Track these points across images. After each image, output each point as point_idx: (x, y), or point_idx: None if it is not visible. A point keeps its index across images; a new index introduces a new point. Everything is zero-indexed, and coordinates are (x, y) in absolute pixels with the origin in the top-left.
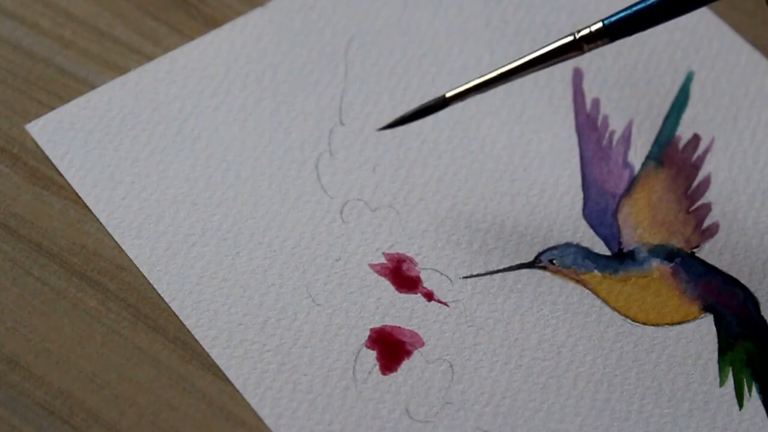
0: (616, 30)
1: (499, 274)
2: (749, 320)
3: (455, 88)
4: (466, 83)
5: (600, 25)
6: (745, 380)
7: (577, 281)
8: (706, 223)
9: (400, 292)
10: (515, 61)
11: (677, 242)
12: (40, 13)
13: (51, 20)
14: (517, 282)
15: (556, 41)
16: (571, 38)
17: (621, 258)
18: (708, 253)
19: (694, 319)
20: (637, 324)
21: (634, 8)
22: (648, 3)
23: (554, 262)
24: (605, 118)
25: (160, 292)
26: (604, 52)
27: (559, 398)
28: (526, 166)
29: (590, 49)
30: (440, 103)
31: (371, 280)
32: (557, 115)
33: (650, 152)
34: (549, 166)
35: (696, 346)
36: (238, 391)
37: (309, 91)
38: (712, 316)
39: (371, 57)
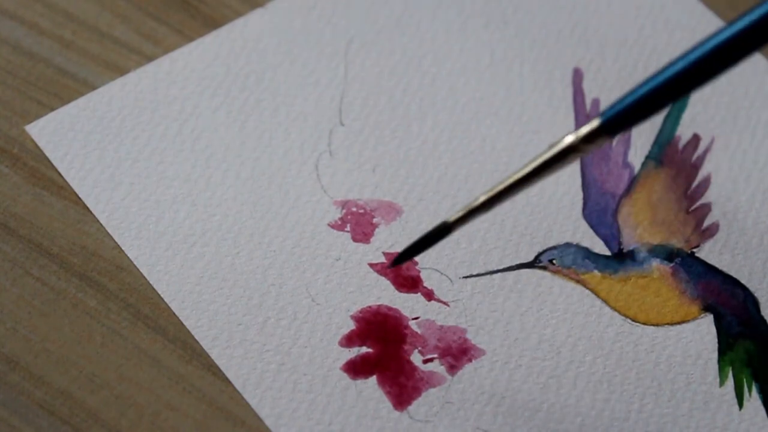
0: (613, 126)
1: (499, 273)
2: (749, 320)
3: (456, 213)
4: (467, 207)
5: (597, 122)
6: (745, 380)
7: (577, 281)
8: (706, 223)
9: (400, 291)
10: (512, 177)
11: (677, 242)
12: (40, 14)
13: (51, 20)
14: (517, 282)
15: (552, 148)
16: (571, 139)
17: (621, 258)
18: (708, 253)
19: (694, 319)
20: (637, 324)
21: (631, 98)
22: (647, 89)
23: (554, 262)
24: None
25: (160, 292)
26: (604, 51)
27: (559, 398)
28: None
29: (590, 150)
30: (444, 229)
31: (371, 280)
32: (557, 115)
33: (650, 152)
34: None
35: (696, 346)
36: (238, 391)
37: (309, 92)
38: (712, 316)
39: (371, 57)
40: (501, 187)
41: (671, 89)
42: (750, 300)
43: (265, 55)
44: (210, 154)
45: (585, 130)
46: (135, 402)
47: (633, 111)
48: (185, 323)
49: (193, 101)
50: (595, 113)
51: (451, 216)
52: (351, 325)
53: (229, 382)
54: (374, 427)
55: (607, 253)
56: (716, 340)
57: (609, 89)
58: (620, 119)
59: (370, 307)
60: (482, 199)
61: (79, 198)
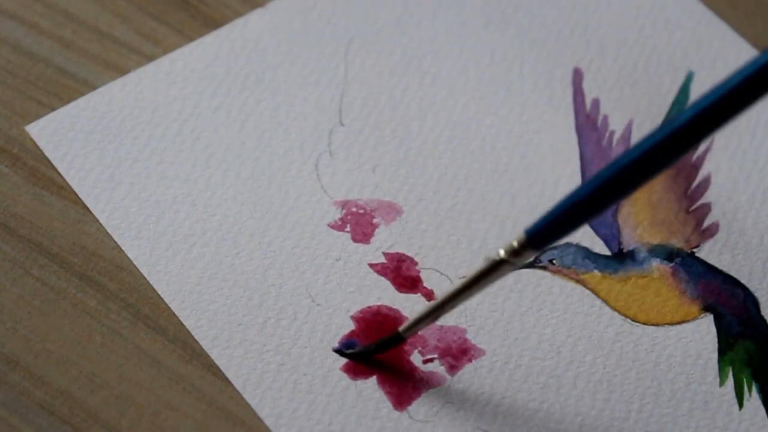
0: (539, 239)
1: None
2: (749, 320)
3: (405, 324)
4: (414, 318)
5: (523, 236)
6: (745, 380)
7: (577, 281)
8: (706, 223)
9: (400, 291)
10: (452, 289)
11: (677, 242)
12: (40, 13)
13: (51, 20)
14: (517, 282)
15: (487, 265)
16: (501, 255)
17: (621, 258)
18: (708, 253)
19: (694, 319)
20: (637, 324)
21: (555, 212)
22: (570, 203)
23: (554, 262)
24: (605, 118)
25: (160, 292)
26: (604, 51)
27: (559, 398)
28: (526, 166)
29: (521, 262)
30: (397, 338)
31: (371, 280)
32: (557, 115)
33: None
34: (549, 166)
35: (696, 346)
36: (238, 391)
37: (309, 91)
38: (712, 316)
39: (371, 57)
40: (443, 298)
41: (587, 205)
42: (750, 300)
43: (265, 55)
44: (210, 154)
45: (514, 244)
46: (135, 402)
47: (555, 226)
48: (185, 323)
49: (193, 101)
50: (595, 113)
51: (402, 327)
52: (351, 325)
53: (229, 382)
54: (374, 427)
55: (607, 253)
56: (716, 340)
57: (609, 89)
58: (543, 235)
59: (370, 307)
60: (427, 310)
61: (79, 198)
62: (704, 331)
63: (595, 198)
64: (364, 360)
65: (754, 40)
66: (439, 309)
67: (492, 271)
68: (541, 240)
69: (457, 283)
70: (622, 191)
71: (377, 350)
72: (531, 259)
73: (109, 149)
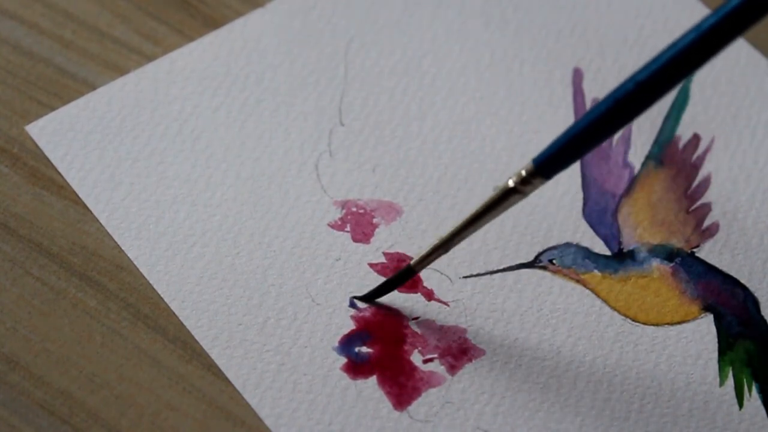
0: (548, 167)
1: (499, 273)
2: (749, 320)
3: (416, 258)
4: (427, 249)
5: (531, 165)
6: (745, 380)
7: (577, 281)
8: (706, 223)
9: (400, 291)
10: (463, 219)
11: (677, 242)
12: (40, 13)
13: (51, 20)
14: (517, 282)
15: (496, 194)
16: (510, 184)
17: (621, 258)
18: (708, 253)
19: (694, 319)
20: (637, 324)
21: (562, 140)
22: (576, 130)
23: (554, 261)
24: None
25: (160, 292)
26: (604, 51)
27: (559, 398)
28: None
29: (530, 191)
30: (408, 271)
31: (371, 280)
32: (557, 115)
33: (650, 152)
34: None
35: (696, 346)
36: (238, 391)
37: (309, 92)
38: (712, 315)
39: (371, 57)
40: (453, 229)
41: (592, 132)
42: (750, 300)
43: (265, 55)
44: (210, 154)
45: (522, 173)
46: (135, 402)
47: (562, 154)
48: (185, 323)
49: (193, 101)
50: None
51: (413, 261)
52: (351, 325)
53: (229, 382)
54: (374, 427)
55: (607, 253)
56: (716, 340)
57: (609, 89)
58: (551, 162)
59: (370, 307)
60: (438, 242)
61: (79, 198)
62: (704, 331)
63: (600, 124)
64: (379, 297)
65: (754, 41)
66: (449, 241)
67: (501, 200)
68: (547, 167)
69: (468, 213)
70: (625, 117)
71: (390, 285)
72: (539, 188)
73: (109, 149)
